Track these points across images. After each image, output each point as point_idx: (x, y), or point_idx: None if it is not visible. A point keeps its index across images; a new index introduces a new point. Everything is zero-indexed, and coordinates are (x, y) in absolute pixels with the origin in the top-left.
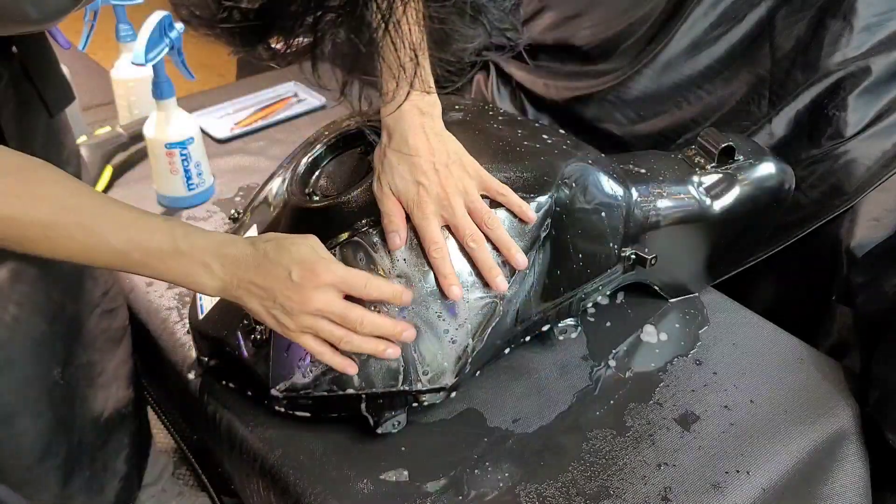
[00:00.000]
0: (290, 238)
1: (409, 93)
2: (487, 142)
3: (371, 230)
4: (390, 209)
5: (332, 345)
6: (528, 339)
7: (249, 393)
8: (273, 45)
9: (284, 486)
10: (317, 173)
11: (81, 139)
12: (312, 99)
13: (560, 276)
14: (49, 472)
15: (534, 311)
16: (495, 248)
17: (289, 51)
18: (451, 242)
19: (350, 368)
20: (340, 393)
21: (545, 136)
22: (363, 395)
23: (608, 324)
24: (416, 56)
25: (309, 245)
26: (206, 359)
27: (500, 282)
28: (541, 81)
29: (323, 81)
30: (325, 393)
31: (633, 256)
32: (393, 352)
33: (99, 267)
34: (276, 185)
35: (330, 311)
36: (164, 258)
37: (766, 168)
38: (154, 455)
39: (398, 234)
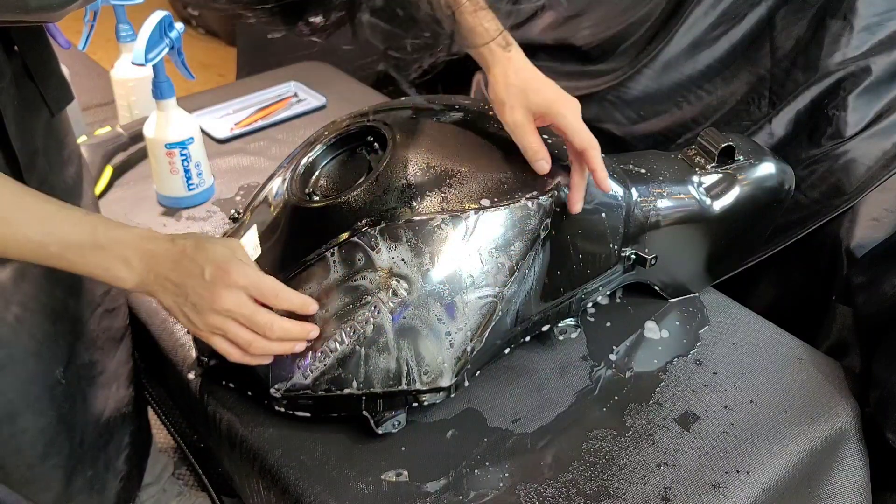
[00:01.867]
0: (211, 238)
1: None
2: (488, 142)
3: (370, 230)
4: (533, 142)
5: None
6: (528, 339)
7: (249, 393)
8: (311, 20)
9: (284, 486)
10: (317, 173)
11: (81, 139)
12: (312, 99)
13: (560, 276)
14: (51, 470)
15: (534, 311)
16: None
17: (327, 23)
18: (456, 241)
19: (265, 360)
20: (340, 393)
21: (545, 137)
22: (363, 396)
23: (608, 324)
24: (453, 12)
25: (228, 246)
26: (206, 359)
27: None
28: None
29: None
30: (325, 393)
31: (633, 256)
32: (300, 346)
33: (12, 259)
34: (276, 185)
35: (239, 312)
36: (83, 252)
37: (766, 168)
38: (154, 455)
39: (547, 161)
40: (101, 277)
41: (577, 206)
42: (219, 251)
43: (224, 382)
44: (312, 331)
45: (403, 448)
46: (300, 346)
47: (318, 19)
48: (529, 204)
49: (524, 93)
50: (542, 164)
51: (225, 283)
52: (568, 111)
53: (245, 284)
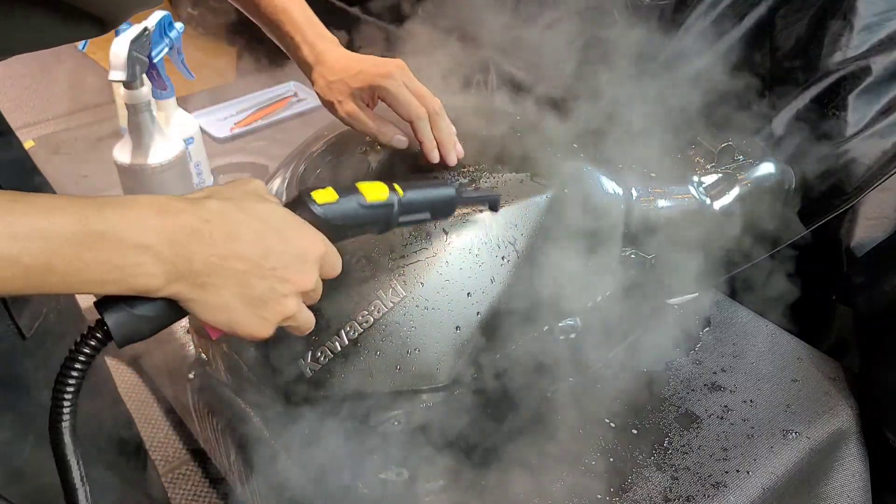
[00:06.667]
0: (239, 187)
1: None
2: (487, 142)
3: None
4: (371, 126)
5: None
6: (528, 338)
7: (249, 392)
8: None
9: (283, 486)
10: (317, 173)
11: None
12: (312, 99)
13: (560, 275)
14: None
15: (533, 311)
16: None
17: None
18: (456, 240)
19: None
20: (339, 392)
21: (545, 136)
22: (362, 395)
23: (609, 323)
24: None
25: (268, 196)
26: (207, 358)
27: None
28: (540, 81)
29: None
30: (324, 392)
31: (633, 256)
32: None
33: None
34: (276, 185)
35: (315, 292)
36: (75, 251)
37: (766, 168)
38: (153, 455)
39: (400, 134)
40: (109, 286)
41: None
42: (278, 209)
43: (224, 382)
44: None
45: (403, 448)
46: None
47: None
48: (530, 203)
49: (344, 82)
50: (398, 139)
51: (313, 256)
52: (388, 82)
53: (324, 252)
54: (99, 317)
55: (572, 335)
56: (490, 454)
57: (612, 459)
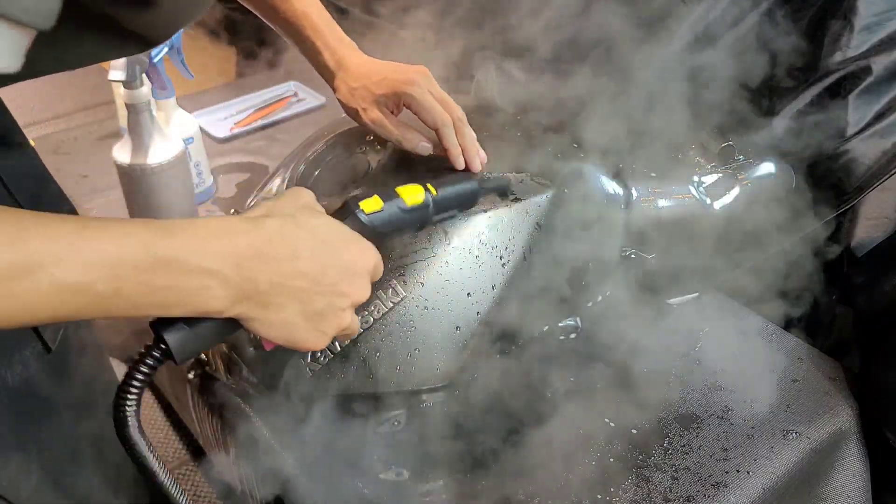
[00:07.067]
0: (289, 201)
1: None
2: (488, 142)
3: None
4: (394, 133)
5: None
6: (528, 338)
7: (250, 392)
8: None
9: (283, 486)
10: (317, 173)
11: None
12: (312, 99)
13: (559, 275)
14: None
15: (533, 311)
16: None
17: None
18: (455, 241)
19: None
20: (339, 392)
21: (545, 137)
22: (362, 395)
23: (608, 324)
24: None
25: (320, 210)
26: (207, 359)
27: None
28: (541, 81)
29: None
30: (325, 392)
31: (633, 256)
32: None
33: (31, 323)
34: (275, 185)
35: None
36: (143, 278)
37: (766, 168)
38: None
39: (426, 141)
40: (176, 309)
41: (458, 165)
42: (331, 223)
43: (224, 382)
44: None
45: (403, 448)
46: None
47: None
48: (529, 203)
49: (368, 89)
50: (423, 146)
51: (367, 268)
52: (414, 90)
53: (376, 262)
54: (154, 335)
55: (572, 335)
56: (490, 454)
57: (611, 459)
